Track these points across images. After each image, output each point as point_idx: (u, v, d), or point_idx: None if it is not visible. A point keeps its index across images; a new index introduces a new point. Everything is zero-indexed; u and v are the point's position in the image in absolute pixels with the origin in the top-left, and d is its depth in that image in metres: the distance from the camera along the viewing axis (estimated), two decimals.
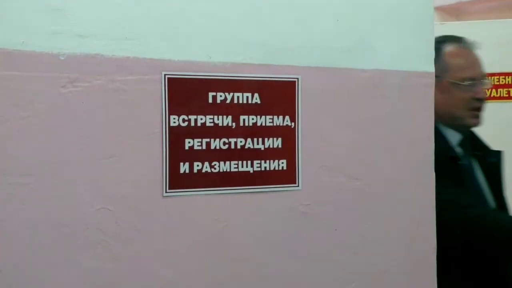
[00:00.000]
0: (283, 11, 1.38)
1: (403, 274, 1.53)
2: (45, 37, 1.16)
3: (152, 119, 1.26)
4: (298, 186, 1.40)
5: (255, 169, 1.36)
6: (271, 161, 1.37)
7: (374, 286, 1.49)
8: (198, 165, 1.30)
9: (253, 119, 1.35)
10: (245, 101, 1.34)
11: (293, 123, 1.39)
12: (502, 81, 2.72)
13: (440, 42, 1.90)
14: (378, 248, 1.49)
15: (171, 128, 1.27)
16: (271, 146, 1.37)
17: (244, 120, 1.34)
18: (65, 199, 1.19)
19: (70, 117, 1.19)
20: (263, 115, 1.36)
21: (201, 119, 1.30)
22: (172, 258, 1.28)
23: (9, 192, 1.14)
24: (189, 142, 1.29)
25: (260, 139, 1.36)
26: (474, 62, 2.00)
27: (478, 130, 2.64)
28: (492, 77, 2.67)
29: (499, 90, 2.72)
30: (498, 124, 2.66)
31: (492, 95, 2.67)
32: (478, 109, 1.99)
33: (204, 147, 1.30)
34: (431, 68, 1.56)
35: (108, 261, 1.22)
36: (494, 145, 2.67)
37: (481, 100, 1.99)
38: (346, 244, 1.46)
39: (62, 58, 1.17)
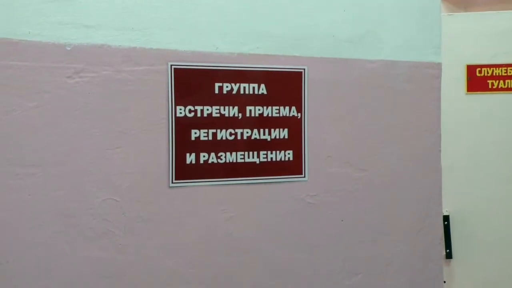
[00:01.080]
0: (290, 1, 1.38)
1: (409, 265, 1.53)
2: (51, 27, 1.16)
3: (158, 110, 1.27)
4: (304, 177, 1.40)
5: (262, 160, 1.36)
6: (278, 152, 1.38)
7: (380, 277, 1.50)
8: (204, 156, 1.31)
9: (259, 109, 1.36)
10: (251, 92, 1.35)
11: (299, 114, 1.40)
12: (510, 72, 2.72)
13: None
14: (384, 239, 1.50)
15: (177, 119, 1.28)
16: (277, 137, 1.38)
17: (250, 110, 1.35)
18: (71, 189, 1.19)
19: (76, 107, 1.19)
20: (270, 105, 1.37)
21: (207, 109, 1.31)
22: (178, 248, 1.29)
23: (16, 183, 1.14)
24: (195, 133, 1.30)
25: (267, 130, 1.37)
26: None
27: (486, 122, 2.66)
28: (500, 68, 2.67)
29: (506, 81, 2.72)
30: (506, 116, 2.67)
31: (499, 86, 2.67)
32: None
33: (210, 137, 1.31)
34: (438, 58, 1.55)
35: (114, 251, 1.23)
36: (503, 135, 2.67)
37: None
38: (353, 235, 1.47)
39: (69, 49, 1.18)
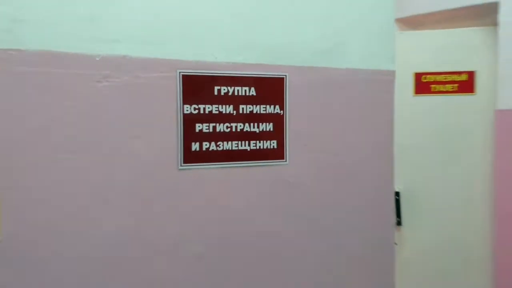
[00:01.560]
0: (275, 21, 1.38)
1: (368, 230, 1.55)
2: (84, 41, 1.17)
3: (169, 108, 1.27)
4: (286, 161, 1.41)
5: (252, 147, 1.36)
6: (265, 141, 1.38)
7: (345, 239, 1.51)
8: (206, 145, 1.31)
9: (250, 108, 1.36)
10: (243, 93, 1.35)
11: (282, 111, 1.40)
12: (448, 79, 2.73)
13: None
14: (348, 208, 1.51)
15: (184, 115, 1.28)
16: (264, 130, 1.38)
17: (243, 108, 1.35)
18: (100, 171, 1.20)
19: (103, 105, 1.20)
20: (258, 104, 1.37)
21: (209, 108, 1.31)
22: (184, 216, 1.30)
23: (57, 166, 1.15)
24: (199, 126, 1.30)
25: (256, 124, 1.37)
26: None
27: (428, 118, 2.68)
28: (441, 76, 2.69)
29: (446, 85, 2.74)
30: (444, 112, 2.69)
31: (440, 90, 2.69)
32: None
33: (211, 130, 1.31)
34: (392, 67, 1.56)
35: (135, 218, 1.24)
36: (441, 128, 2.69)
37: None
38: (323, 205, 1.48)
39: (98, 59, 1.18)
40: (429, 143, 2.66)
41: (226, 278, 1.35)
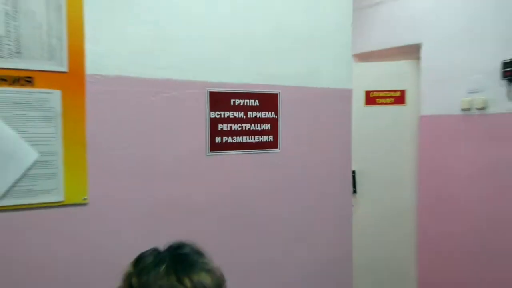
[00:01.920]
0: (271, 56, 1.38)
1: (334, 195, 1.54)
2: (143, 69, 1.18)
3: (200, 114, 1.28)
4: (279, 150, 1.42)
5: (256, 141, 1.37)
6: (265, 136, 1.39)
7: (318, 203, 1.51)
8: (225, 139, 1.32)
9: (254, 114, 1.37)
10: (250, 104, 1.36)
11: (276, 116, 1.41)
12: (387, 95, 2.79)
13: None
14: (320, 181, 1.51)
15: (211, 119, 1.29)
16: (264, 129, 1.39)
17: (250, 114, 1.36)
18: (155, 154, 1.20)
19: (156, 112, 1.20)
20: (260, 111, 1.38)
21: (227, 114, 1.32)
22: (209, 187, 1.29)
23: (113, 160, 1.14)
24: (220, 126, 1.31)
25: (258, 125, 1.38)
26: None
27: (374, 121, 2.73)
28: (382, 92, 2.75)
29: (386, 99, 2.80)
30: (384, 117, 2.76)
31: (382, 102, 2.75)
32: None
33: (228, 129, 1.32)
34: (350, 86, 1.56)
35: (176, 187, 1.23)
36: (382, 127, 2.75)
37: None
38: (305, 179, 1.48)
39: (151, 80, 1.19)
40: (374, 138, 2.70)
41: (240, 228, 1.36)
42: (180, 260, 0.75)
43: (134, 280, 0.73)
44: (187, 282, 0.70)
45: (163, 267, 0.73)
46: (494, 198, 2.24)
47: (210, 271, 0.74)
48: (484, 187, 2.28)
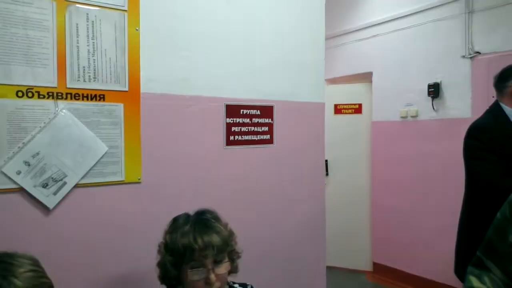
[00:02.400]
0: (268, 78, 1.34)
1: (311, 176, 1.47)
2: (180, 89, 1.14)
3: (220, 120, 1.24)
4: (274, 145, 1.37)
5: (258, 138, 1.33)
6: (264, 135, 1.35)
7: (298, 183, 1.44)
8: (237, 137, 1.28)
9: (256, 120, 1.32)
10: (254, 113, 1.32)
11: (272, 121, 1.36)
12: (350, 107, 2.74)
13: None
14: (301, 166, 1.44)
15: (227, 123, 1.25)
16: (263, 130, 1.34)
17: (253, 120, 1.32)
18: (181, 150, 1.16)
19: (189, 119, 1.16)
20: (261, 118, 1.33)
21: (238, 120, 1.28)
22: (227, 173, 1.25)
23: (155, 158, 1.11)
24: (233, 128, 1.27)
25: (259, 127, 1.33)
26: None
27: (341, 126, 2.67)
28: (347, 105, 2.70)
29: (348, 109, 2.74)
30: (347, 123, 2.73)
31: (347, 112, 2.70)
32: None
33: (239, 130, 1.28)
34: (323, 100, 1.50)
35: (201, 173, 1.20)
36: (346, 131, 2.69)
37: None
38: (293, 165, 1.42)
39: (186, 96, 1.15)
40: (340, 137, 2.65)
41: (248, 196, 1.32)
42: (200, 223, 0.73)
43: (167, 237, 0.72)
44: (199, 240, 0.68)
45: (187, 228, 0.71)
46: (422, 177, 2.29)
47: (219, 232, 0.71)
48: (416, 170, 2.32)
